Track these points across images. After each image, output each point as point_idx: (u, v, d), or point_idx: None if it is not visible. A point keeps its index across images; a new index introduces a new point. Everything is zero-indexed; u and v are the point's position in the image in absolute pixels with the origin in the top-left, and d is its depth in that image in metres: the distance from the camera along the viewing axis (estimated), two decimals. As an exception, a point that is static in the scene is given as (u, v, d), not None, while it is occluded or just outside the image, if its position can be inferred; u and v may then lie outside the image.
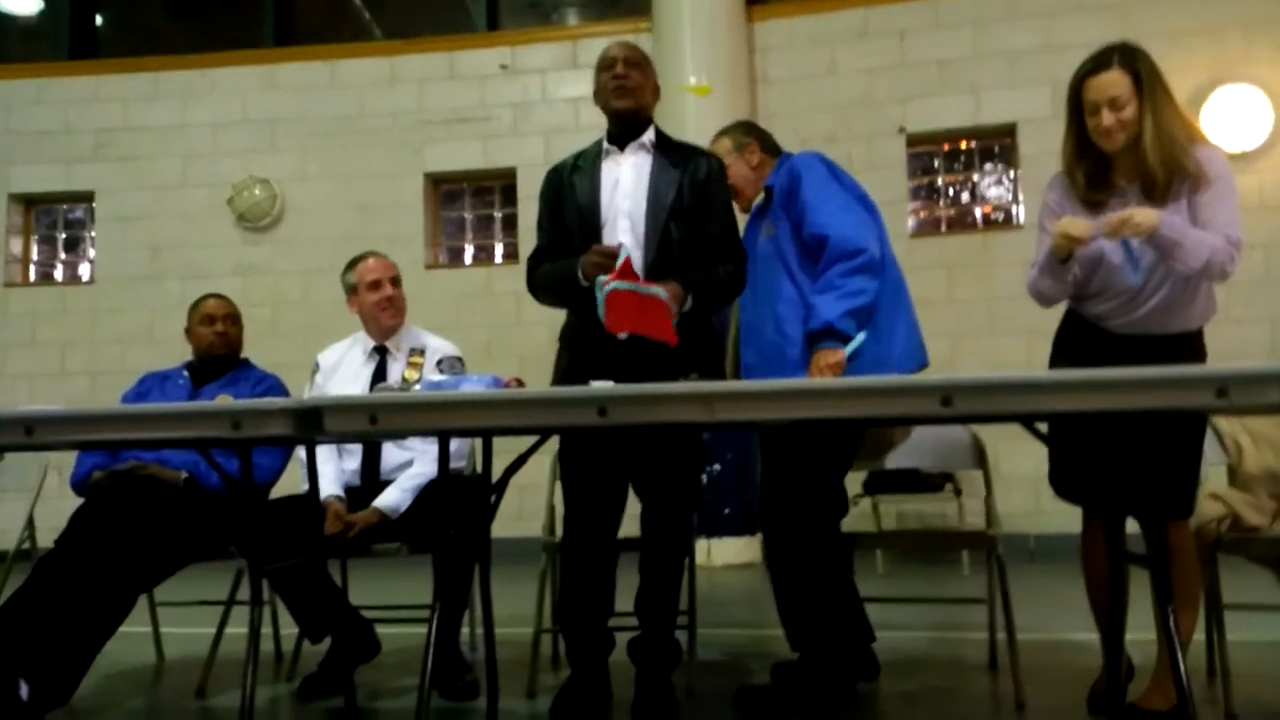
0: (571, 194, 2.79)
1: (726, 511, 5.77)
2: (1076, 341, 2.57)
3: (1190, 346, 2.47)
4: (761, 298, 2.85)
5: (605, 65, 2.79)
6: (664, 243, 2.69)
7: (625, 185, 2.75)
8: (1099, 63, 2.40)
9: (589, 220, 2.74)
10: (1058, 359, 2.62)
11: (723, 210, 2.80)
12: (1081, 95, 2.41)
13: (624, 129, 2.80)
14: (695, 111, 6.36)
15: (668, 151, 2.80)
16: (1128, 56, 2.39)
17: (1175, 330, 2.45)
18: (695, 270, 2.69)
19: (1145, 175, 2.38)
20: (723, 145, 3.07)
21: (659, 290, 2.53)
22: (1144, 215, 2.28)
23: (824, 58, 6.82)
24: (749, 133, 3.11)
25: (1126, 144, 2.38)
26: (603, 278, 2.51)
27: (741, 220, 2.95)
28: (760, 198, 2.99)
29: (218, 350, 3.30)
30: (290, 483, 3.15)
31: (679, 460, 2.75)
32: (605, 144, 2.82)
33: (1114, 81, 2.36)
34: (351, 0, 8.20)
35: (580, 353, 2.74)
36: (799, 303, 2.78)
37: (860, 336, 2.71)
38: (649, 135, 2.81)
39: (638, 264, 2.63)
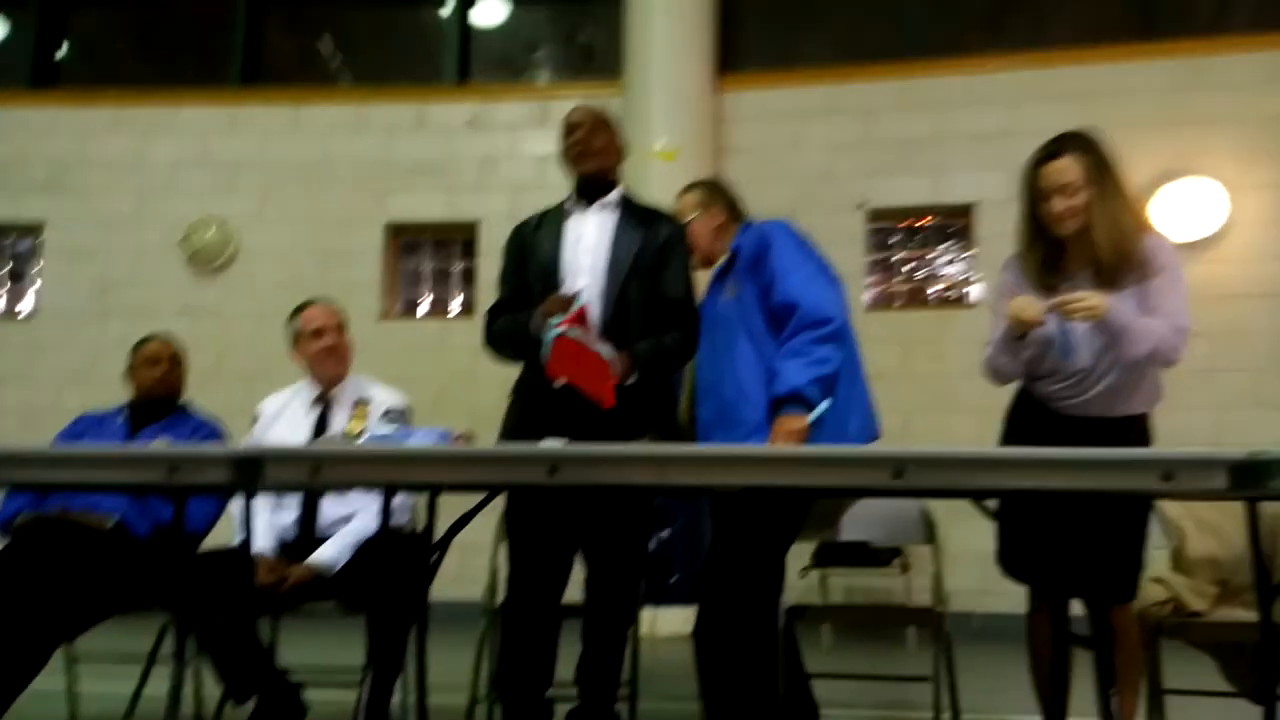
0: (535, 249, 2.80)
1: (674, 579, 5.69)
2: (1026, 421, 2.59)
3: (1137, 430, 2.50)
4: (721, 357, 2.82)
5: (570, 128, 2.82)
6: (621, 302, 2.70)
7: (587, 242, 2.77)
8: (1052, 150, 2.46)
9: (550, 275, 2.75)
10: (1008, 437, 2.64)
11: (681, 274, 2.80)
12: (1035, 181, 2.46)
13: (589, 188, 2.82)
14: (661, 175, 6.41)
15: (632, 212, 2.82)
16: (1080, 145, 2.45)
17: (1122, 414, 2.48)
18: (646, 335, 2.67)
19: (1096, 261, 2.42)
20: (689, 200, 3.06)
21: (607, 349, 2.53)
22: (1094, 299, 2.32)
23: (790, 131, 6.94)
24: (716, 193, 3.10)
25: (1078, 230, 2.42)
26: (555, 319, 2.50)
27: (699, 278, 2.95)
28: (724, 259, 2.99)
29: (158, 393, 3.21)
30: (222, 534, 3.04)
31: (628, 525, 2.71)
32: (571, 201, 2.84)
33: (1065, 169, 2.42)
34: (322, 45, 8.22)
35: (531, 408, 2.71)
36: (758, 365, 2.76)
37: (824, 404, 2.69)
38: (615, 195, 2.84)
39: (594, 320, 2.62)
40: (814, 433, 2.66)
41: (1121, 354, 2.40)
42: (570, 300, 2.57)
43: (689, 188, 3.14)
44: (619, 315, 2.68)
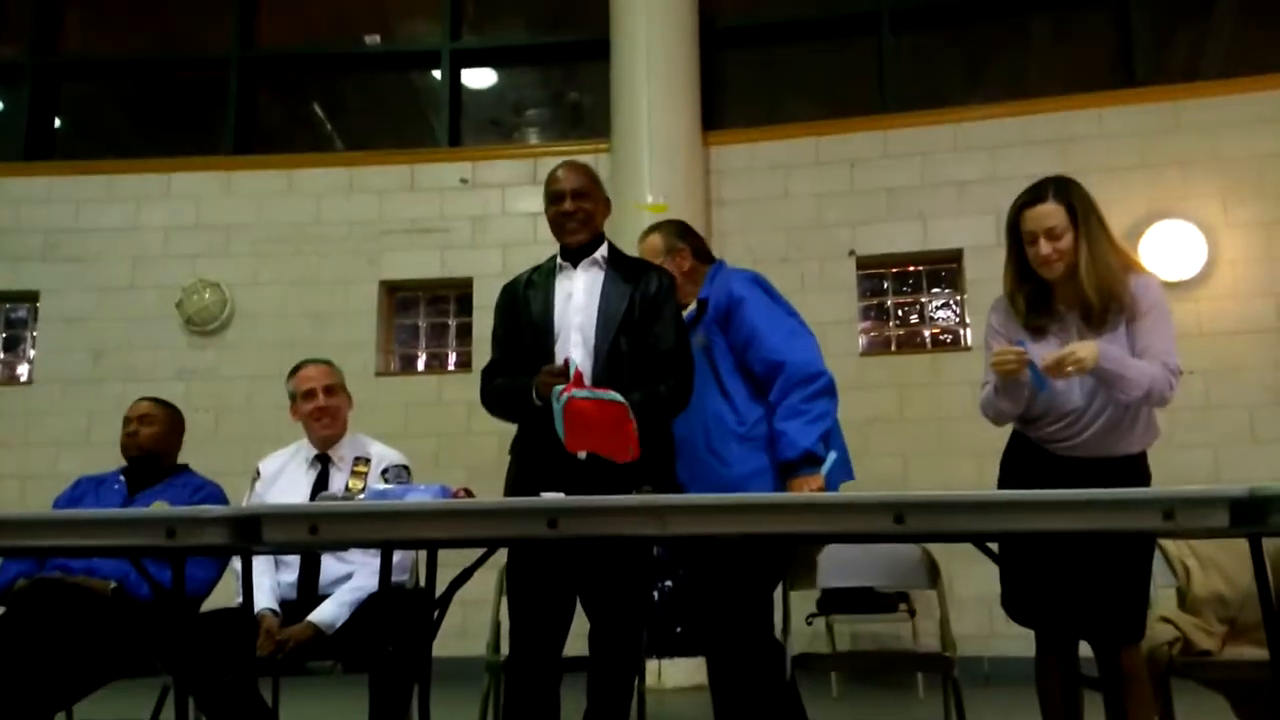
0: (526, 308, 2.82)
1: (679, 630, 5.64)
2: (1023, 463, 2.60)
3: (1134, 470, 2.50)
4: (692, 409, 2.81)
5: (554, 196, 2.84)
6: (613, 355, 2.72)
7: (578, 299, 2.79)
8: (1035, 194, 2.50)
9: (542, 333, 2.77)
10: (1005, 480, 2.64)
11: (673, 324, 2.80)
12: (1020, 225, 2.50)
13: (578, 250, 2.85)
14: (651, 229, 6.49)
15: (620, 266, 2.85)
16: (1062, 189, 2.49)
17: (1119, 454, 2.49)
18: (639, 386, 2.66)
19: (1083, 302, 2.45)
20: (652, 244, 3.05)
21: (616, 395, 2.52)
22: (1085, 350, 2.34)
23: (777, 182, 7.02)
24: (682, 237, 3.09)
25: (1065, 272, 2.46)
26: (558, 388, 2.50)
27: None
28: (692, 307, 2.97)
29: (131, 453, 3.19)
30: (224, 594, 3.02)
31: (627, 575, 2.69)
32: (559, 260, 2.87)
33: (1049, 213, 2.45)
34: (314, 111, 8.34)
35: (530, 463, 2.71)
36: (729, 418, 2.79)
37: (832, 457, 2.72)
38: (602, 251, 2.86)
39: (588, 376, 2.63)
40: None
41: (1117, 398, 2.41)
42: (564, 369, 2.58)
43: (652, 229, 3.12)
44: (612, 369, 2.69)
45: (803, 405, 2.71)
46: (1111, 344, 2.44)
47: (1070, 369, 2.34)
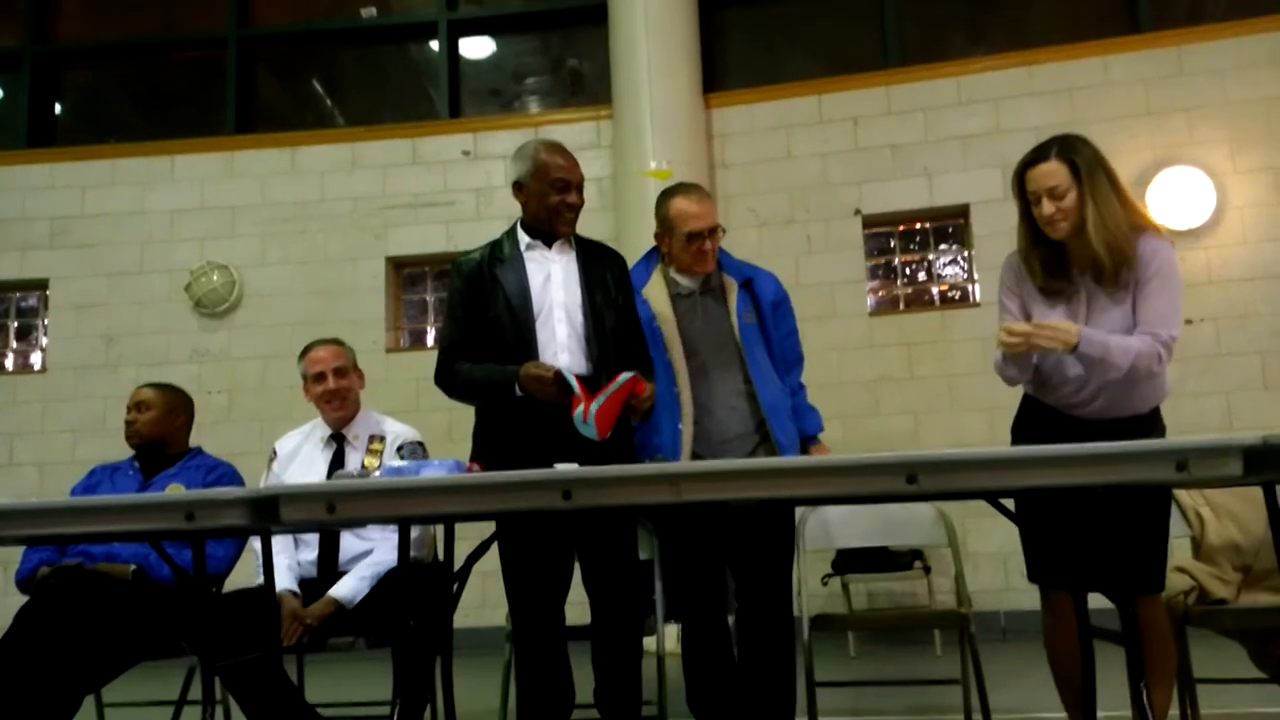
0: (497, 287, 2.79)
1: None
2: (1035, 426, 2.58)
3: (1147, 426, 2.48)
4: (767, 375, 3.00)
5: (560, 185, 2.80)
6: (600, 333, 2.76)
7: (557, 279, 2.80)
8: (1038, 154, 2.46)
9: (519, 313, 2.75)
10: (1018, 442, 2.62)
11: (634, 302, 2.93)
12: (1024, 185, 2.46)
13: (550, 233, 2.85)
14: (655, 194, 6.45)
15: (587, 248, 2.89)
16: (1066, 147, 2.45)
17: (1130, 413, 2.46)
18: (623, 359, 2.73)
19: (1094, 262, 2.42)
20: (712, 210, 3.09)
21: (623, 377, 2.57)
22: (1063, 331, 2.31)
23: (780, 142, 6.97)
24: None
25: (1071, 231, 2.42)
26: (579, 412, 2.51)
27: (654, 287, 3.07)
28: (734, 284, 3.05)
29: (134, 443, 3.21)
30: (244, 573, 3.05)
31: (623, 540, 2.72)
32: (525, 238, 2.85)
33: (1051, 172, 2.41)
34: (314, 89, 8.29)
35: (509, 450, 2.67)
36: (784, 389, 3.06)
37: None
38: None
39: (577, 354, 2.70)
40: None
41: (1098, 377, 2.40)
42: (552, 379, 2.57)
43: (707, 192, 3.15)
44: (600, 346, 2.74)
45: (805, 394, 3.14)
46: (1115, 311, 2.42)
47: (1044, 343, 2.32)
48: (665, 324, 2.96)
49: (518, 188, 2.86)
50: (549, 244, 2.84)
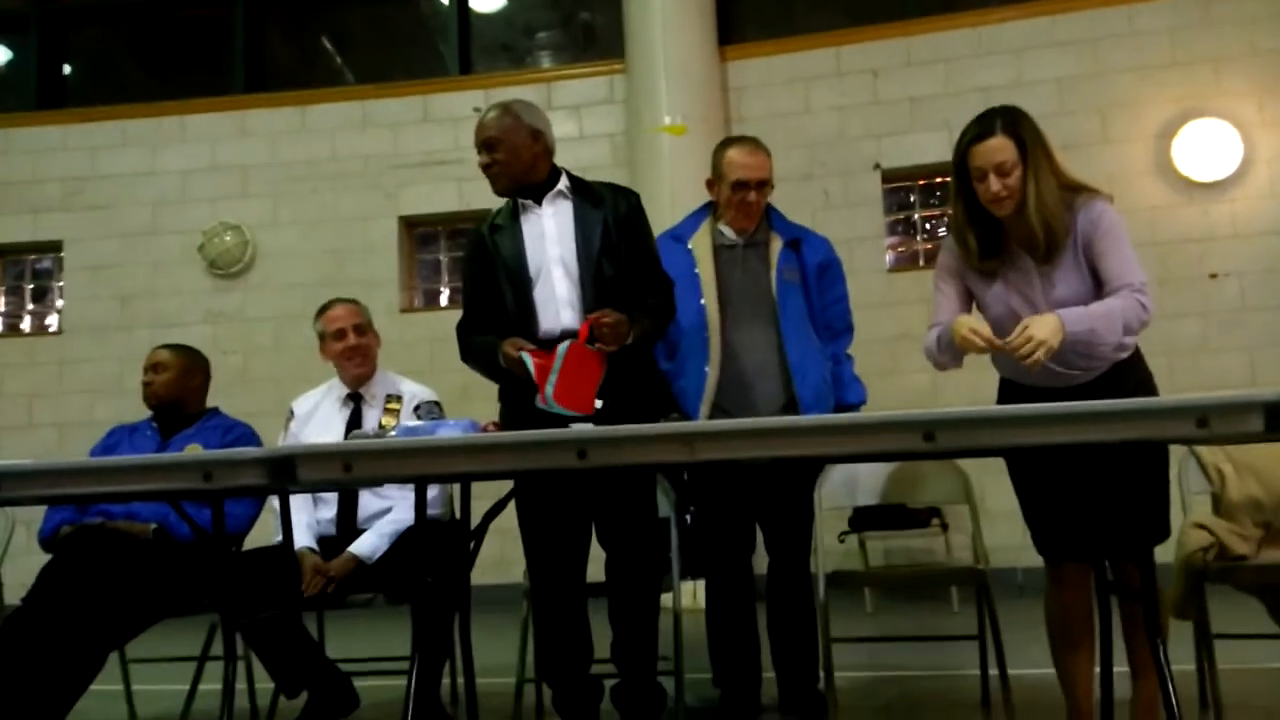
0: (496, 253, 2.79)
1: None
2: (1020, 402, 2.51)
3: (1134, 379, 2.42)
4: (800, 333, 3.00)
5: (479, 148, 2.77)
6: (599, 280, 2.72)
7: (551, 234, 2.77)
8: (983, 129, 2.36)
9: (517, 275, 2.75)
10: None
11: (646, 242, 2.86)
12: (967, 162, 2.39)
13: (532, 189, 2.80)
14: (670, 151, 6.40)
15: (585, 194, 2.83)
16: (1010, 121, 2.36)
17: (1105, 366, 2.40)
18: (627, 305, 2.68)
19: (1030, 239, 2.36)
20: (770, 166, 3.09)
21: (561, 348, 2.55)
22: (1042, 334, 2.20)
23: (798, 96, 6.88)
24: None
25: (1013, 208, 2.36)
26: (538, 402, 2.49)
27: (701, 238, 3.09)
28: (777, 241, 3.06)
29: (152, 403, 3.22)
30: (263, 532, 3.08)
31: (637, 503, 2.72)
32: (519, 199, 2.82)
33: (999, 147, 2.33)
34: (323, 45, 8.22)
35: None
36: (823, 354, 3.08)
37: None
38: (563, 182, 2.83)
39: (575, 304, 2.69)
40: None
41: (1101, 351, 2.34)
42: (521, 364, 2.56)
43: (765, 148, 3.12)
44: (599, 295, 2.70)
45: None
46: (1072, 275, 2.36)
47: (1039, 354, 2.20)
48: (704, 271, 3.00)
49: None
50: (540, 201, 2.80)
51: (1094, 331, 2.27)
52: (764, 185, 3.01)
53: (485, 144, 2.75)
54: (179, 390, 3.22)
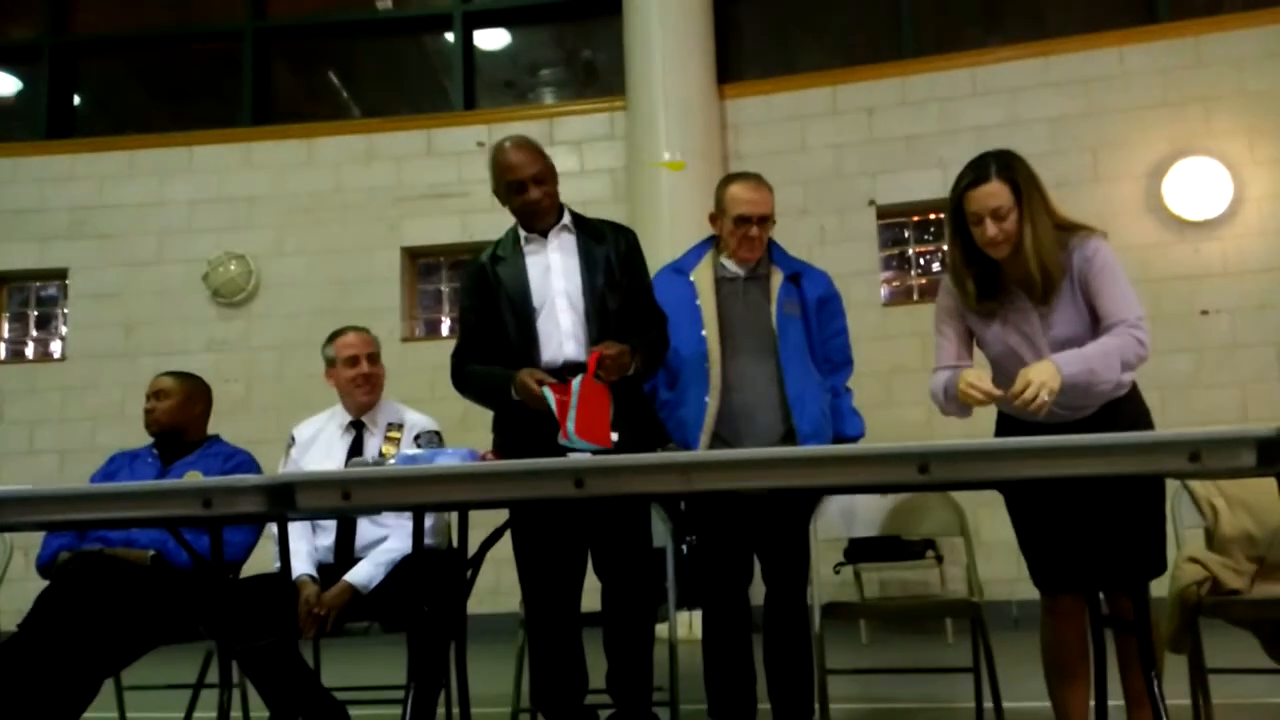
0: (499, 285, 2.83)
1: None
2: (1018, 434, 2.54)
3: (1130, 414, 2.45)
4: (799, 366, 3.03)
5: (515, 186, 2.79)
6: (603, 314, 2.77)
7: (557, 267, 2.81)
8: (978, 174, 2.40)
9: (521, 308, 2.79)
10: None
11: (644, 278, 2.93)
12: (963, 206, 2.43)
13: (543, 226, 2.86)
14: (669, 185, 6.47)
15: (586, 229, 2.88)
16: (1004, 166, 2.40)
17: (1102, 402, 2.43)
18: (629, 338, 2.73)
19: (1027, 280, 2.40)
20: (769, 199, 3.13)
21: (576, 382, 2.56)
22: (1046, 379, 2.22)
23: (795, 133, 6.96)
24: None
25: (1010, 251, 2.40)
26: (561, 440, 2.49)
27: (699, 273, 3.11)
28: (778, 274, 3.10)
29: (153, 430, 3.24)
30: (261, 559, 3.09)
31: (633, 533, 2.74)
32: (524, 233, 2.87)
33: (994, 193, 2.37)
34: (330, 80, 8.33)
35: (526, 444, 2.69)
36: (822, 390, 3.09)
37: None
38: (566, 217, 2.89)
39: (581, 339, 2.71)
40: None
41: (1101, 390, 2.36)
42: (541, 397, 2.57)
43: (767, 185, 3.17)
44: (603, 329, 2.74)
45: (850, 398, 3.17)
46: (1069, 311, 2.39)
47: (1044, 396, 2.21)
48: (705, 303, 3.04)
49: (495, 191, 2.89)
50: (545, 234, 2.85)
51: (1093, 372, 2.30)
52: (766, 220, 3.06)
53: (535, 179, 2.79)
54: (181, 417, 3.24)
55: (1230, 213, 6.23)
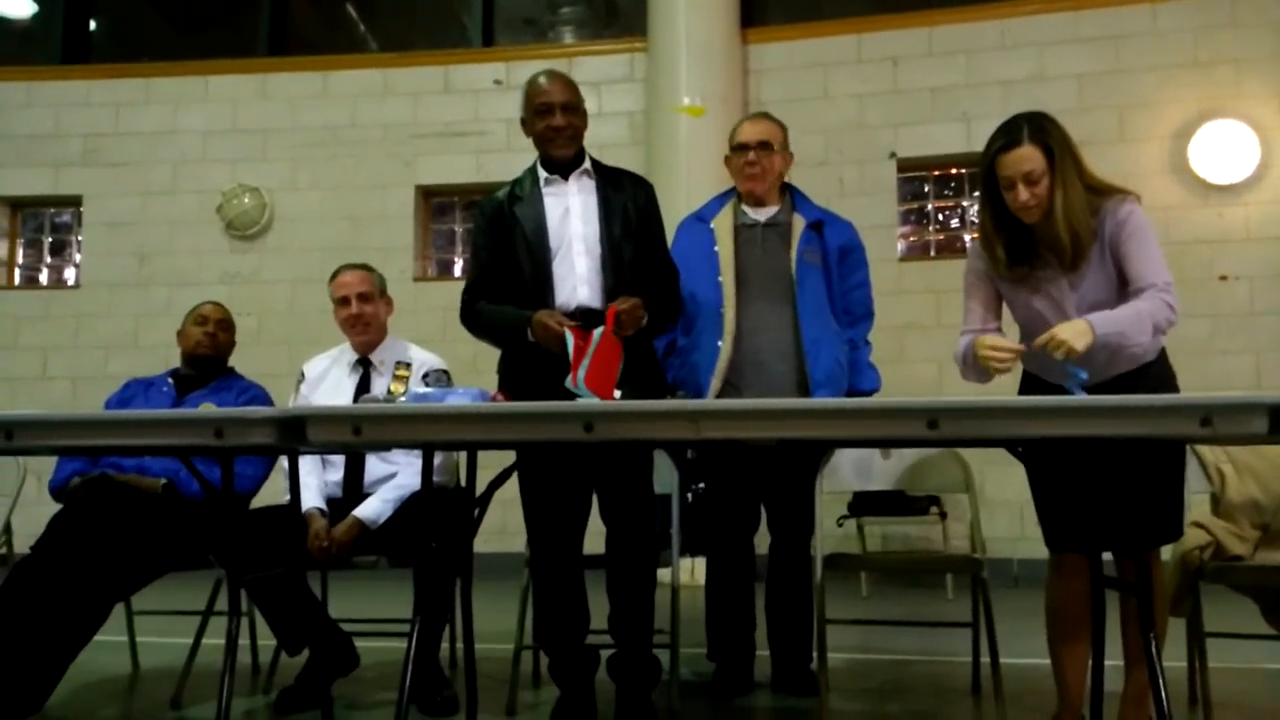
0: (516, 224, 2.79)
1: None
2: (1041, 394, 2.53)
3: (1155, 375, 2.44)
4: (816, 314, 3.02)
5: (542, 109, 2.77)
6: (617, 262, 2.75)
7: (576, 210, 2.78)
8: (1010, 138, 2.35)
9: (537, 249, 2.76)
10: None
11: (659, 232, 2.91)
12: (995, 170, 2.40)
13: (564, 163, 2.82)
14: (688, 131, 6.40)
15: (606, 177, 2.86)
16: (1037, 129, 2.35)
17: (1130, 369, 2.42)
18: (643, 289, 2.71)
19: (1058, 244, 2.37)
20: (774, 130, 3.13)
21: (596, 333, 2.52)
22: (1074, 336, 2.21)
23: (818, 82, 6.86)
24: (787, 140, 3.22)
25: (1042, 216, 2.37)
26: (568, 384, 2.45)
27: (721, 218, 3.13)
28: (800, 222, 3.09)
29: (203, 351, 3.27)
30: (272, 493, 3.12)
31: (635, 477, 2.76)
32: (544, 173, 2.83)
33: (1027, 156, 2.32)
34: (347, 12, 8.21)
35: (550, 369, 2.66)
36: (839, 333, 3.09)
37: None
38: (587, 162, 2.86)
39: (595, 286, 2.71)
40: None
41: (1131, 354, 2.35)
42: (561, 336, 2.53)
43: (768, 116, 3.18)
44: (619, 276, 2.73)
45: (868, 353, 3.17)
46: (1099, 275, 2.37)
47: (1059, 355, 2.21)
48: (723, 249, 3.04)
49: (522, 123, 2.87)
50: (566, 176, 2.82)
51: (1123, 334, 2.28)
52: (765, 147, 3.04)
53: (565, 106, 2.76)
54: (228, 350, 3.34)
55: (1256, 177, 6.13)
